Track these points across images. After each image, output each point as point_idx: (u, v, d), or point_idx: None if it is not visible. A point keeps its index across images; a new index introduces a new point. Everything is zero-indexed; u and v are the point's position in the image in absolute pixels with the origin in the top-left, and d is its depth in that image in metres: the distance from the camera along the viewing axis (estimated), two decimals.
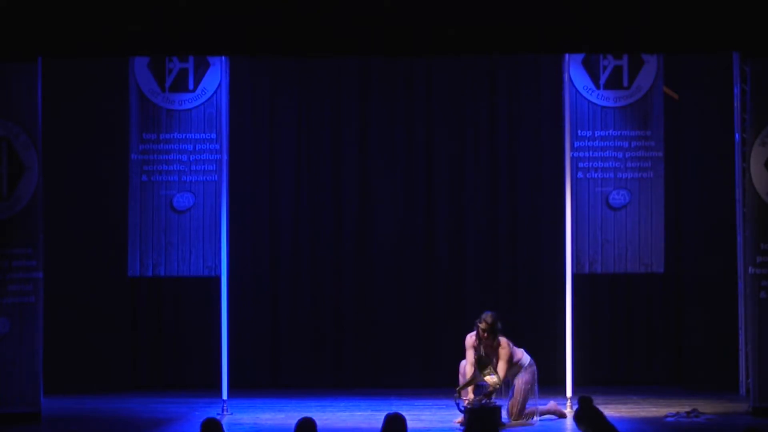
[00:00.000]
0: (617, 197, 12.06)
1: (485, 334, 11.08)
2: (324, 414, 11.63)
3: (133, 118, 12.07)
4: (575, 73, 12.06)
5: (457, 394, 11.04)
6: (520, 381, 11.19)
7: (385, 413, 7.73)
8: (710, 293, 13.20)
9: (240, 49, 11.66)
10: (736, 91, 12.38)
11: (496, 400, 11.03)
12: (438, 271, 13.81)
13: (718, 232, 13.01)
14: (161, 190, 12.03)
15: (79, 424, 11.42)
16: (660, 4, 11.20)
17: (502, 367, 11.06)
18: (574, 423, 8.08)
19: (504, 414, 11.04)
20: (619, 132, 12.08)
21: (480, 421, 10.47)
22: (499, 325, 11.14)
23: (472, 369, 11.04)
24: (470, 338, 11.21)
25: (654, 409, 11.90)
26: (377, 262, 13.76)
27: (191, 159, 12.05)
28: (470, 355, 11.16)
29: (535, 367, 11.29)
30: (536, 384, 11.28)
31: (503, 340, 11.19)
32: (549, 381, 12.92)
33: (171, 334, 13.69)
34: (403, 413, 7.69)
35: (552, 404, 11.53)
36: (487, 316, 11.11)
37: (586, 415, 7.66)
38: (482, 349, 11.15)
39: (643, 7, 11.19)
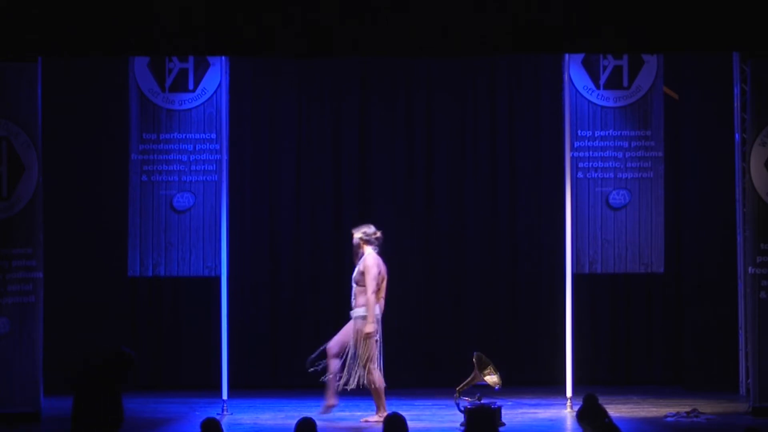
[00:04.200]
0: (617, 197, 12.06)
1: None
2: (324, 414, 11.62)
3: (133, 118, 12.06)
4: (575, 73, 12.06)
5: (457, 394, 11.04)
6: (350, 328, 11.27)
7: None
8: (710, 293, 13.19)
9: (240, 49, 11.65)
10: (736, 91, 12.38)
11: (496, 400, 11.03)
12: (438, 271, 13.80)
13: (718, 232, 13.01)
14: (161, 190, 12.03)
15: None
16: (660, 4, 11.20)
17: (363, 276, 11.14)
18: (576, 421, 8.07)
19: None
20: (619, 132, 12.09)
21: (480, 422, 10.46)
22: (365, 235, 11.28)
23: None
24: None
25: (654, 409, 11.90)
26: None
27: (191, 159, 12.05)
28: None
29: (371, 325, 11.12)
30: (362, 348, 11.13)
31: (368, 250, 11.26)
32: (549, 381, 12.94)
33: (171, 334, 13.68)
34: (403, 413, 7.69)
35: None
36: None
37: (589, 413, 7.63)
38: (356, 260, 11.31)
39: (643, 7, 11.19)
